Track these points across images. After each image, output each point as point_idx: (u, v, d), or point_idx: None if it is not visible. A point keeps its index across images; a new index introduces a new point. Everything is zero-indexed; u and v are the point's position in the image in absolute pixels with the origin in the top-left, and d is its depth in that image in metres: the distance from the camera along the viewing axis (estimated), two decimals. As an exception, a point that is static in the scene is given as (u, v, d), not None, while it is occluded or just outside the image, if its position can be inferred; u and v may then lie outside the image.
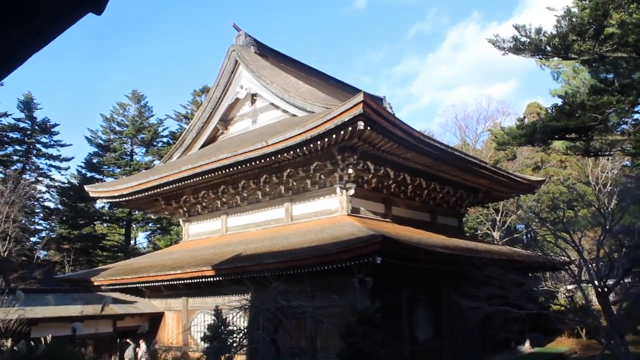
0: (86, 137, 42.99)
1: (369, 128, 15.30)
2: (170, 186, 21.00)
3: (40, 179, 40.01)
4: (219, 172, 19.04)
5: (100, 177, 41.29)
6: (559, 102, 14.61)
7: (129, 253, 37.74)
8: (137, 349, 19.59)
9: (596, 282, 12.75)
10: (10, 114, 38.36)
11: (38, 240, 37.03)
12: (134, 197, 22.74)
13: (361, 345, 11.93)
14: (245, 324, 13.51)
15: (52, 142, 40.71)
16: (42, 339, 12.94)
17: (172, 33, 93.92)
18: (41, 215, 38.93)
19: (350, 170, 18.06)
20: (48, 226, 39.32)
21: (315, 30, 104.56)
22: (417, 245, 15.64)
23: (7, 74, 2.24)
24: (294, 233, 17.88)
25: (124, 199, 23.33)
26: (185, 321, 19.78)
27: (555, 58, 14.44)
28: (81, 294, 19.39)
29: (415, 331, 17.02)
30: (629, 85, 12.97)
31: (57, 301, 17.80)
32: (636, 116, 15.29)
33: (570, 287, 19.31)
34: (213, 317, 12.82)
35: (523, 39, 13.58)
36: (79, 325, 16.66)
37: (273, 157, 17.42)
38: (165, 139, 44.94)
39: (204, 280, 17.41)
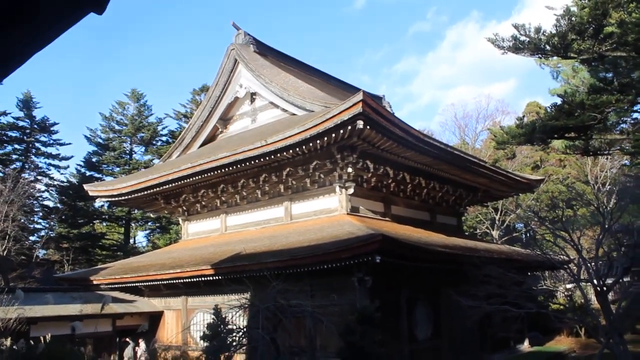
0: (85, 136, 43.13)
1: (368, 127, 15.30)
2: (170, 185, 21.00)
3: (39, 177, 40.07)
4: (219, 171, 19.04)
5: (100, 176, 41.29)
6: (558, 101, 14.62)
7: (128, 252, 37.74)
8: (137, 348, 19.59)
9: (595, 281, 12.76)
10: (10, 113, 38.42)
11: (37, 239, 37.05)
12: (133, 196, 22.74)
13: (360, 344, 11.94)
14: (245, 323, 13.51)
15: (51, 141, 40.74)
16: (42, 338, 12.94)
17: (172, 32, 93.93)
18: (40, 214, 39.00)
19: (350, 169, 18.06)
20: (47, 225, 39.35)
21: (314, 29, 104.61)
22: (417, 244, 15.64)
23: (9, 74, 2.24)
24: (294, 232, 17.89)
25: (123, 197, 23.33)
26: (185, 320, 19.79)
27: (555, 57, 14.44)
28: (80, 293, 19.39)
29: (414, 330, 17.03)
30: (628, 85, 12.98)
31: (56, 300, 17.79)
32: (635, 115, 15.31)
33: (569, 286, 19.32)
34: (212, 316, 12.82)
35: (522, 38, 13.59)
36: (78, 325, 16.65)
37: (272, 156, 17.43)
38: (164, 138, 45.01)
39: (203, 279, 17.41)
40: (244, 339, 12.44)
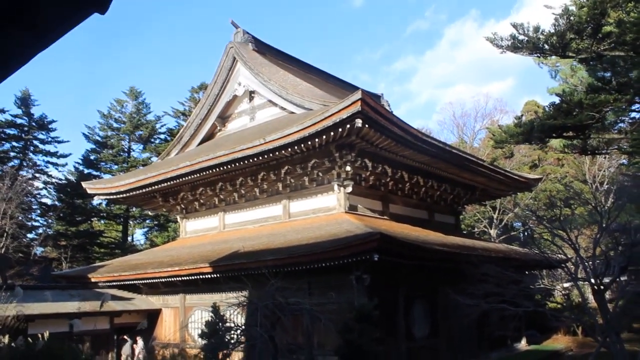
0: (83, 134, 43.05)
1: (366, 126, 15.32)
2: (168, 183, 21.01)
3: (37, 175, 39.99)
4: (217, 169, 19.04)
5: (98, 173, 41.25)
6: (557, 100, 14.63)
7: (126, 250, 37.73)
8: (134, 345, 19.61)
9: (592, 280, 12.79)
10: (7, 111, 38.30)
11: (35, 236, 37.00)
12: (131, 193, 22.74)
13: (358, 342, 11.97)
14: (243, 321, 13.54)
15: (50, 139, 40.63)
16: (40, 336, 12.95)
17: (170, 31, 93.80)
18: (38, 211, 38.95)
19: (348, 168, 18.08)
20: (45, 223, 39.28)
21: (313, 28, 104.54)
22: (415, 242, 15.67)
23: (8, 75, 2.24)
24: (292, 230, 17.90)
25: (121, 195, 23.32)
26: (183, 318, 19.80)
27: (553, 56, 14.44)
28: (78, 291, 19.38)
29: (412, 328, 17.07)
30: (626, 84, 13.00)
31: (54, 298, 17.79)
32: (633, 115, 15.33)
33: (566, 285, 19.35)
34: (211, 314, 12.85)
35: (521, 37, 13.60)
36: (77, 322, 16.66)
37: (271, 155, 17.43)
38: (162, 136, 44.94)
39: (201, 277, 17.42)
40: (242, 337, 12.47)
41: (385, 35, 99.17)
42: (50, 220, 39.03)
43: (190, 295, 19.77)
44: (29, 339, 11.74)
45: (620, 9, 12.43)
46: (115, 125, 43.85)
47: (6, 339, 11.10)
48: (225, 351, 12.24)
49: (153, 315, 20.60)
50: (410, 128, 17.21)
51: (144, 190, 22.12)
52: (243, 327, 12.64)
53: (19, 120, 39.21)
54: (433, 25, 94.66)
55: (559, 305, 19.41)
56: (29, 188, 34.84)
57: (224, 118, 23.94)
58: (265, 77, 21.13)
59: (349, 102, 14.89)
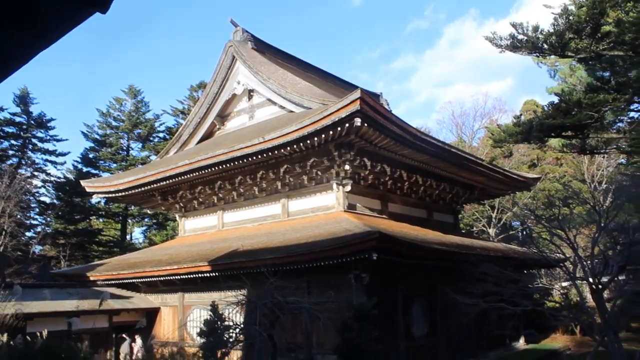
0: (82, 132, 42.95)
1: (365, 125, 15.32)
2: (167, 182, 21.01)
3: (36, 173, 39.93)
4: (216, 168, 19.04)
5: (97, 172, 41.21)
6: (556, 99, 14.62)
7: (124, 248, 37.72)
8: (133, 344, 19.62)
9: (591, 279, 12.81)
10: (6, 109, 38.26)
11: (34, 235, 36.97)
12: (130, 192, 22.73)
13: (357, 341, 11.99)
14: (242, 320, 13.55)
15: (48, 137, 40.57)
16: (38, 334, 12.94)
17: (170, 31, 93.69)
18: (37, 210, 38.92)
19: (347, 167, 18.09)
20: (44, 221, 39.25)
21: (312, 27, 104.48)
22: (413, 241, 15.68)
23: (8, 75, 2.24)
24: (290, 229, 17.91)
25: (120, 194, 23.31)
26: (181, 316, 19.80)
27: (552, 56, 14.44)
28: (77, 289, 19.39)
29: (411, 327, 17.09)
30: (625, 84, 13.00)
31: (53, 296, 17.79)
32: (632, 114, 15.32)
33: (565, 284, 19.37)
34: (209, 313, 12.85)
35: (520, 36, 13.59)
36: (75, 320, 16.66)
37: (270, 153, 17.44)
38: (161, 134, 44.90)
39: (200, 275, 17.42)
40: (241, 336, 12.47)
41: (384, 35, 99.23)
42: (48, 219, 39.01)
43: (189, 294, 19.77)
44: (28, 337, 11.75)
45: (619, 9, 12.43)
46: (114, 123, 43.82)
47: (5, 338, 11.09)
48: (224, 350, 12.25)
49: (152, 314, 20.60)
50: (409, 127, 17.22)
51: (142, 188, 22.11)
52: (242, 325, 12.65)
53: (17, 119, 39.20)
54: (432, 25, 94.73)
55: (557, 305, 19.45)
56: (28, 186, 34.82)
57: (223, 117, 23.93)
58: (265, 75, 21.12)
59: (348, 101, 14.89)
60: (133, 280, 20.42)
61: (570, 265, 14.68)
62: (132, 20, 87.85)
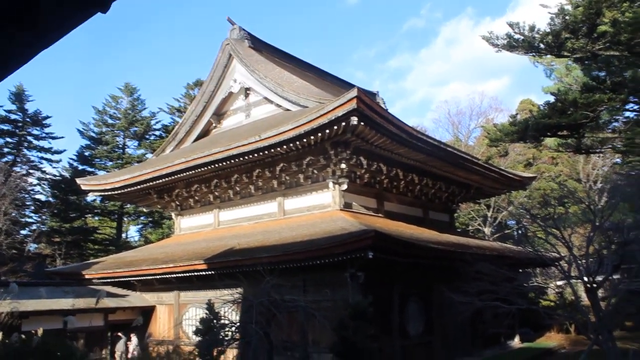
0: (78, 130, 42.80)
1: (362, 123, 15.34)
2: (163, 180, 20.98)
3: (31, 171, 39.76)
4: (212, 166, 19.03)
5: (92, 170, 41.05)
6: (552, 99, 14.70)
7: (120, 246, 37.63)
8: (128, 342, 19.59)
9: (585, 278, 12.86)
10: (1, 106, 38.11)
11: (29, 233, 36.82)
12: (126, 190, 22.70)
13: (353, 339, 12.01)
14: (238, 318, 13.55)
15: (44, 135, 40.42)
16: (34, 332, 12.92)
17: (166, 28, 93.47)
18: (32, 208, 38.72)
19: (343, 165, 18.10)
20: (39, 219, 39.11)
21: (309, 26, 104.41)
22: (409, 240, 15.71)
23: (7, 75, 2.23)
24: (286, 227, 17.92)
25: (116, 192, 23.27)
26: (177, 315, 19.80)
27: (549, 55, 14.51)
28: (73, 287, 19.35)
29: (406, 326, 17.12)
30: (620, 84, 13.06)
31: (48, 294, 17.76)
32: (627, 114, 15.41)
33: (560, 283, 19.43)
34: (205, 311, 12.84)
35: (517, 36, 13.65)
36: (71, 319, 16.62)
37: (266, 152, 17.43)
38: (157, 132, 44.78)
39: (196, 274, 17.40)
40: (237, 334, 12.48)
41: (380, 33, 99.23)
42: (44, 217, 38.85)
43: (184, 293, 19.76)
44: (23, 335, 11.73)
45: (615, 9, 12.48)
46: (110, 121, 43.69)
47: (0, 336, 11.08)
48: (220, 348, 12.25)
49: (147, 313, 20.58)
50: (405, 126, 17.24)
51: (138, 187, 22.08)
52: (238, 324, 12.65)
53: (12, 116, 39.02)
54: (429, 23, 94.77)
55: (552, 303, 19.54)
56: (23, 184, 34.67)
57: (219, 115, 23.91)
58: (261, 74, 21.11)
59: (344, 99, 14.90)
60: (129, 279, 20.39)
61: (565, 264, 14.71)
62: (129, 20, 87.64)
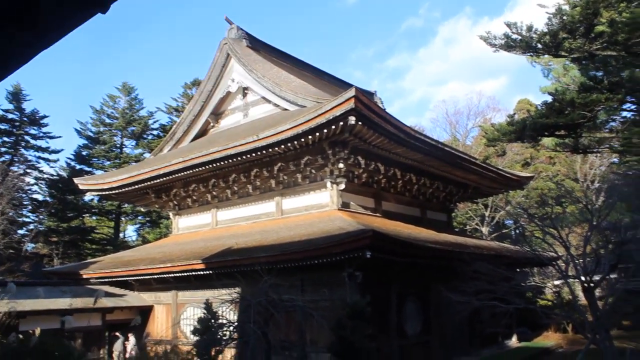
0: (75, 130, 42.66)
1: (360, 123, 15.34)
2: (161, 179, 20.95)
3: (28, 171, 39.67)
4: (210, 166, 19.02)
5: (90, 169, 41.01)
6: (549, 99, 14.73)
7: (118, 246, 37.60)
8: (126, 342, 19.57)
9: (583, 278, 12.89)
10: (-1, 105, 37.99)
11: (26, 232, 36.77)
12: (123, 190, 22.66)
13: (351, 338, 12.02)
14: (236, 318, 13.55)
15: (41, 134, 40.30)
16: (31, 332, 12.90)
17: (164, 28, 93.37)
18: (29, 207, 38.65)
19: (341, 165, 18.11)
20: (36, 219, 39.03)
21: (307, 26, 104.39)
22: (407, 240, 15.72)
23: (7, 75, 2.24)
24: (284, 227, 17.92)
25: (113, 191, 23.22)
26: (175, 314, 19.79)
27: (546, 55, 14.54)
28: (70, 287, 19.33)
29: (404, 325, 17.14)
30: (617, 83, 13.09)
31: (46, 294, 17.74)
32: (624, 114, 15.45)
33: (557, 282, 19.46)
34: (203, 311, 12.84)
35: (514, 36, 13.68)
36: (69, 319, 16.61)
37: (264, 151, 17.42)
38: (155, 132, 44.74)
39: (194, 273, 17.39)
40: (235, 334, 12.48)
41: (379, 33, 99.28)
42: (41, 217, 38.79)
43: (182, 292, 19.75)
44: (20, 335, 11.72)
45: (612, 9, 12.52)
46: (107, 121, 43.61)
47: (-3, 336, 11.08)
48: (218, 348, 12.25)
49: (145, 312, 20.56)
50: (403, 126, 17.24)
51: (136, 186, 22.05)
52: (236, 323, 12.64)
53: (10, 115, 38.91)
54: (427, 23, 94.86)
55: (549, 303, 19.55)
56: (20, 184, 34.62)
57: (217, 114, 23.90)
58: (259, 73, 21.10)
59: (342, 99, 14.90)
60: (126, 279, 20.37)
61: (563, 264, 14.76)
62: (127, 20, 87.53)
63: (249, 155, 17.79)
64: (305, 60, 26.35)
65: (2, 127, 38.70)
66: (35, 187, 40.04)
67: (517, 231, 38.98)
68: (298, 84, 20.29)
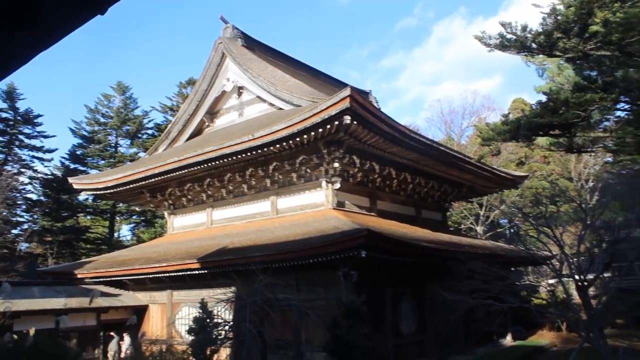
0: (70, 129, 42.54)
1: (355, 122, 15.36)
2: (156, 179, 20.92)
3: (22, 170, 39.49)
4: (205, 165, 19.01)
5: (84, 169, 40.87)
6: (543, 98, 14.77)
7: (112, 246, 37.51)
8: (121, 342, 19.53)
9: (577, 277, 12.95)
10: (-8, 104, 37.81)
11: (20, 232, 36.62)
12: (118, 189, 22.62)
13: (346, 337, 12.04)
14: (231, 317, 13.55)
15: (35, 133, 40.13)
16: (25, 332, 12.85)
17: (159, 28, 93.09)
18: (24, 207, 38.49)
19: (336, 164, 18.12)
20: (30, 218, 38.88)
21: (302, 26, 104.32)
22: (402, 239, 15.75)
23: (7, 75, 2.24)
24: (279, 226, 17.92)
25: (108, 191, 23.18)
26: (170, 314, 19.77)
27: (541, 55, 14.57)
28: (65, 287, 19.27)
29: (399, 324, 17.18)
30: (611, 83, 13.15)
31: (40, 294, 17.68)
32: (618, 113, 15.51)
33: (551, 281, 19.54)
34: (198, 310, 12.84)
35: (509, 36, 13.70)
36: (64, 318, 16.56)
37: (259, 151, 17.42)
38: (150, 131, 44.61)
39: (189, 273, 17.39)
40: (231, 333, 12.48)
41: (373, 33, 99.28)
42: (35, 216, 38.62)
43: (177, 292, 19.73)
44: (14, 335, 11.67)
45: (606, 9, 12.56)
46: (102, 120, 43.46)
47: (-8, 336, 11.02)
48: (213, 347, 12.25)
49: (140, 312, 20.53)
50: (398, 125, 17.28)
51: (131, 185, 22.01)
52: (231, 323, 12.65)
53: (3, 114, 38.73)
54: (421, 23, 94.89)
55: (544, 302, 19.66)
56: (14, 183, 34.45)
57: (212, 114, 23.87)
58: (254, 73, 21.09)
59: (337, 98, 14.92)
60: (121, 278, 20.33)
61: (557, 263, 14.81)
62: (123, 20, 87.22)
63: (244, 155, 17.79)
64: (300, 60, 26.37)
65: (-4, 126, 38.51)
66: (29, 187, 39.91)
67: (512, 230, 39.14)
68: (293, 83, 20.29)
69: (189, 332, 12.78)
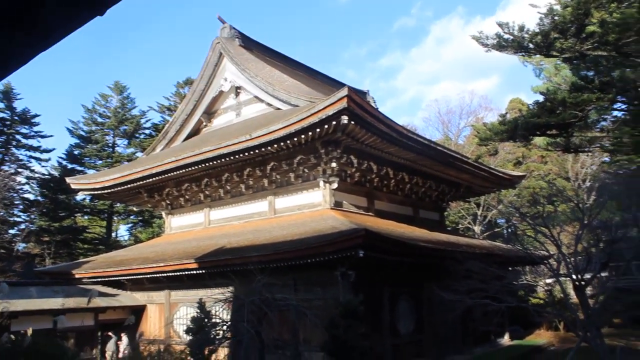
0: (67, 129, 42.43)
1: (352, 122, 15.37)
2: (153, 179, 20.91)
3: (20, 170, 39.41)
4: (203, 165, 19.00)
5: (82, 168, 40.80)
6: (541, 98, 14.80)
7: (110, 246, 37.46)
8: (119, 342, 19.52)
9: (574, 276, 12.97)
10: (-11, 104, 37.71)
11: (17, 232, 36.58)
12: (116, 189, 22.60)
13: (344, 337, 12.04)
14: (229, 317, 13.55)
15: (32, 133, 40.02)
16: (23, 332, 12.84)
17: (157, 28, 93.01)
18: (21, 207, 38.42)
19: (334, 164, 18.13)
20: (28, 218, 38.80)
21: (300, 26, 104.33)
22: (399, 239, 15.77)
23: (6, 75, 2.24)
24: (277, 226, 17.92)
25: (105, 191, 23.15)
26: (168, 314, 19.75)
27: (538, 55, 14.61)
28: (63, 287, 19.26)
29: (397, 324, 17.19)
30: (608, 83, 13.18)
31: (38, 294, 17.66)
32: (615, 113, 15.54)
33: (549, 280, 19.58)
34: (196, 310, 12.84)
35: (506, 36, 13.74)
36: (62, 318, 16.55)
37: (257, 151, 17.42)
38: (147, 131, 44.55)
39: (186, 273, 17.37)
40: (229, 333, 12.49)
41: (371, 32, 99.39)
42: (33, 216, 38.54)
43: (175, 292, 19.71)
44: (12, 335, 11.66)
45: (603, 10, 12.60)
46: (99, 120, 43.38)
47: (-10, 336, 11.02)
48: (211, 347, 12.25)
49: (138, 312, 20.52)
50: (395, 125, 17.29)
51: (128, 185, 21.99)
52: (229, 323, 12.65)
53: (0, 114, 38.64)
54: (419, 22, 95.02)
55: (541, 301, 19.66)
56: (12, 183, 34.41)
57: (210, 114, 23.86)
58: (252, 72, 21.09)
59: (335, 98, 14.92)
60: (119, 278, 20.31)
61: (554, 263, 14.84)
62: (121, 20, 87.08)
63: (241, 155, 17.79)
64: (298, 60, 26.37)
65: (-7, 126, 38.41)
66: (26, 187, 39.80)
67: (509, 230, 39.19)
68: (291, 83, 20.30)
69: (187, 332, 12.79)
